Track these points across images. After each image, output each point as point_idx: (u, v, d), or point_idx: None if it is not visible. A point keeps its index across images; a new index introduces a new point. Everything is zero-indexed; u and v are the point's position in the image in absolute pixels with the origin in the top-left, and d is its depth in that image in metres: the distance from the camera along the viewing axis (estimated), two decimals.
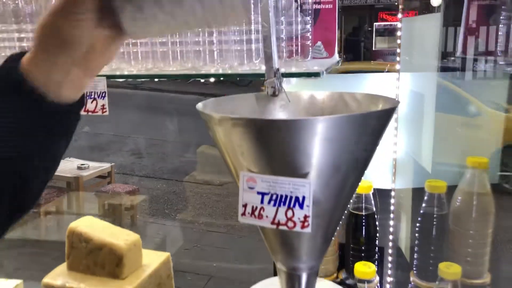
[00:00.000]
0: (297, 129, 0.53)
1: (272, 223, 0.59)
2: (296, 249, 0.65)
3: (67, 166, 4.56)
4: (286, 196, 0.57)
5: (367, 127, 0.57)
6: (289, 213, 0.58)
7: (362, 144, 0.58)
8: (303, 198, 0.57)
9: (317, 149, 0.55)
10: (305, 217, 0.57)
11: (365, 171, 0.64)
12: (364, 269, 0.97)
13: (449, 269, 0.98)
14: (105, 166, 4.61)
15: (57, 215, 4.34)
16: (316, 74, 0.75)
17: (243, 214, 0.60)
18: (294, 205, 0.57)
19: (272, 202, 0.58)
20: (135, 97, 9.89)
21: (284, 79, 0.77)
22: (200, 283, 3.52)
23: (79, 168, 4.49)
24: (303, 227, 0.58)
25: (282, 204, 0.58)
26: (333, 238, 0.68)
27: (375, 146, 0.61)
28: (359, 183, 0.64)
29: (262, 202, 0.59)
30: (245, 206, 0.60)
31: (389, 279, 1.15)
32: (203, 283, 3.45)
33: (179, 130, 7.74)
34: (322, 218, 0.62)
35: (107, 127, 7.47)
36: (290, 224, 0.58)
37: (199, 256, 3.91)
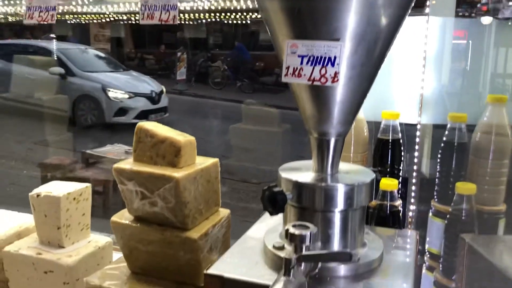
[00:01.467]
0: None
1: (309, 79, 0.74)
2: (327, 115, 0.80)
3: (115, 151, 4.82)
4: (321, 57, 0.73)
5: (390, 4, 0.71)
6: (323, 71, 0.73)
7: (385, 18, 0.72)
8: (335, 57, 0.72)
9: (347, 17, 0.70)
10: (335, 73, 0.72)
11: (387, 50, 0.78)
12: (387, 181, 1.10)
13: (465, 186, 1.10)
14: None
15: (104, 195, 4.58)
16: None
17: (286, 75, 0.76)
18: (327, 64, 0.72)
19: (310, 63, 0.74)
20: (180, 101, 10.26)
21: None
22: None
23: (126, 152, 4.74)
24: (333, 81, 0.73)
25: (317, 63, 0.73)
26: (361, 108, 0.82)
27: (396, 26, 0.75)
28: (383, 61, 0.78)
29: (301, 63, 0.74)
30: (287, 68, 0.75)
31: (412, 207, 1.27)
32: None
33: (218, 131, 7.92)
34: (349, 84, 0.76)
35: None
36: (323, 80, 0.73)
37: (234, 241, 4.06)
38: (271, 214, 0.79)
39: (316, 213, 0.80)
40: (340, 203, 0.79)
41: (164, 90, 7.79)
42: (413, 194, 1.26)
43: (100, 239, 1.33)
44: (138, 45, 13.65)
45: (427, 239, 1.25)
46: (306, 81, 0.74)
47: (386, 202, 1.11)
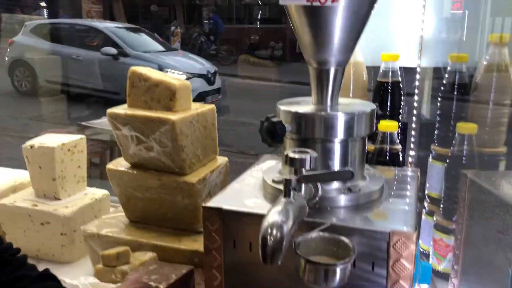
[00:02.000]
0: None
1: (308, 0, 0.71)
2: (326, 41, 0.77)
3: None
4: None
5: None
6: None
7: None
8: None
9: None
10: None
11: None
12: (387, 123, 1.08)
13: (466, 125, 1.08)
14: None
15: (101, 167, 4.54)
16: None
17: None
18: None
19: None
20: None
21: None
22: None
23: None
24: (333, 1, 0.70)
25: None
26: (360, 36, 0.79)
27: None
28: None
29: None
30: None
31: (411, 152, 1.25)
32: None
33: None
34: (350, 5, 0.73)
35: None
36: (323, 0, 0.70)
37: None
38: (270, 145, 0.77)
39: (316, 144, 0.78)
40: (340, 132, 0.77)
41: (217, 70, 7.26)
42: (412, 139, 1.24)
43: (97, 192, 1.31)
44: (131, 20, 13.44)
45: (427, 184, 1.24)
46: (305, 2, 0.71)
47: (386, 145, 1.09)
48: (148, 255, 0.98)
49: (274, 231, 0.59)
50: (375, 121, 0.82)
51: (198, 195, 1.05)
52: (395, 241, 0.67)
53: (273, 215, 0.61)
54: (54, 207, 1.20)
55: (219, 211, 0.77)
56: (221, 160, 1.17)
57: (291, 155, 0.68)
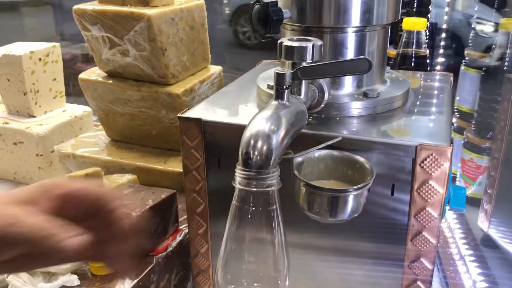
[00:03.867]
0: None
1: None
2: None
3: None
4: None
5: None
6: None
7: None
8: None
9: None
10: None
11: None
12: (413, 20, 0.88)
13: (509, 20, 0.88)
14: None
15: None
16: None
17: None
18: None
19: None
20: None
21: None
22: None
23: None
24: None
25: None
26: None
27: None
28: None
29: None
30: None
31: (440, 59, 1.06)
32: None
33: None
34: None
35: None
36: None
37: None
38: (263, 36, 0.59)
39: (324, 35, 0.60)
40: (355, 17, 0.58)
41: None
42: (442, 43, 1.05)
43: (77, 108, 1.16)
44: None
45: (457, 97, 1.06)
46: None
47: (411, 48, 0.91)
48: (126, 177, 0.84)
49: (260, 143, 0.43)
50: (400, 6, 0.63)
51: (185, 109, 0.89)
52: (423, 157, 0.51)
53: (259, 122, 0.45)
54: (26, 125, 1.05)
55: (198, 122, 0.61)
56: (214, 69, 0.99)
57: (287, 43, 0.50)
